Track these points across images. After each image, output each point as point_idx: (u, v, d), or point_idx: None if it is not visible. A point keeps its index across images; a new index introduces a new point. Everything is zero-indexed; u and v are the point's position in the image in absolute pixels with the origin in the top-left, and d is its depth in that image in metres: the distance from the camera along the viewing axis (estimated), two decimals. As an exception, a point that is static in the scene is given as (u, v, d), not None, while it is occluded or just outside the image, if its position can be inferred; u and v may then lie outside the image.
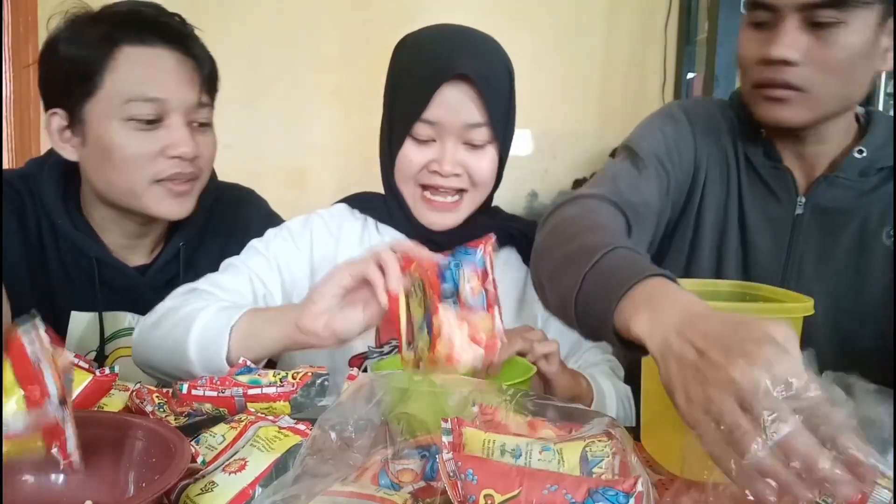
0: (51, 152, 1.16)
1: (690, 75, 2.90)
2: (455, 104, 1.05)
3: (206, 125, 1.15)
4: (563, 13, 2.87)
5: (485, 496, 0.56)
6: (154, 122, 1.07)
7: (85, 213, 1.17)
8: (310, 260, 1.15)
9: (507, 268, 1.17)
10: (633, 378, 1.11)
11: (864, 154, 1.06)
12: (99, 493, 0.69)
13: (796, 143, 1.08)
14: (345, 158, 2.76)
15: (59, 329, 1.06)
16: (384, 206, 1.17)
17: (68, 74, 1.06)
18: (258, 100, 2.75)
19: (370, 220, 1.19)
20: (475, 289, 0.80)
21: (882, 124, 1.09)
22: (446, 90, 1.04)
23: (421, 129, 1.06)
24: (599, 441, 0.64)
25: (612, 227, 0.91)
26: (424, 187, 1.11)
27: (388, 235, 1.16)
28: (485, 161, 1.10)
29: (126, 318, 1.18)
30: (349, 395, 0.70)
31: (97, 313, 1.16)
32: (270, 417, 0.78)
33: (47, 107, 1.10)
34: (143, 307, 1.11)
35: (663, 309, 0.65)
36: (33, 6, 2.30)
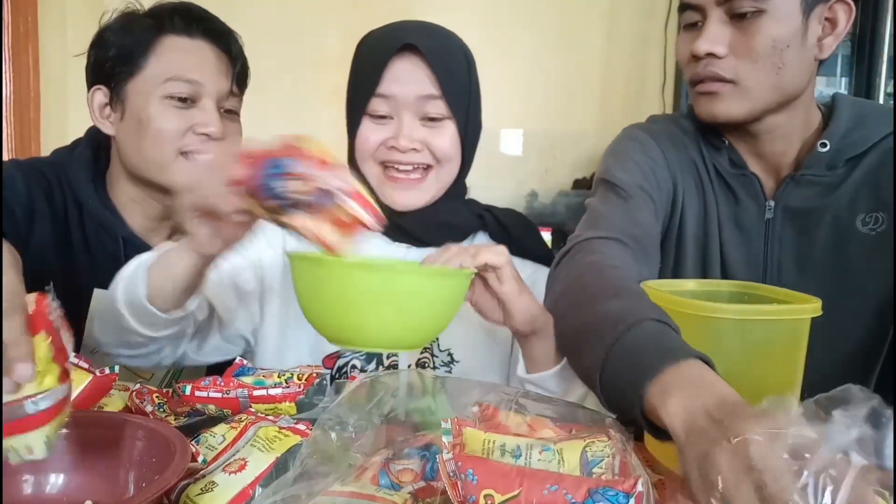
0: (76, 143, 1.28)
1: (690, 75, 2.91)
2: (406, 76, 1.06)
3: (235, 115, 1.27)
4: (563, 13, 2.87)
5: (485, 496, 0.56)
6: (188, 102, 1.18)
7: (111, 195, 1.25)
8: (283, 253, 1.14)
9: None
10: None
11: (828, 147, 1.05)
12: (99, 493, 0.69)
13: (752, 143, 1.08)
14: (344, 158, 2.75)
15: (81, 307, 1.11)
16: None
17: (115, 57, 1.18)
18: (258, 99, 2.74)
19: None
20: (304, 189, 0.73)
21: (845, 111, 1.07)
22: (397, 63, 1.06)
23: (377, 106, 1.07)
24: (599, 441, 0.64)
25: (630, 287, 0.84)
26: (386, 166, 1.10)
27: None
28: (444, 136, 1.09)
29: None
30: (349, 396, 0.70)
31: None
32: (271, 417, 0.78)
33: (90, 85, 1.23)
34: None
35: (697, 395, 0.60)
36: (33, 6, 2.30)
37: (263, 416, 0.79)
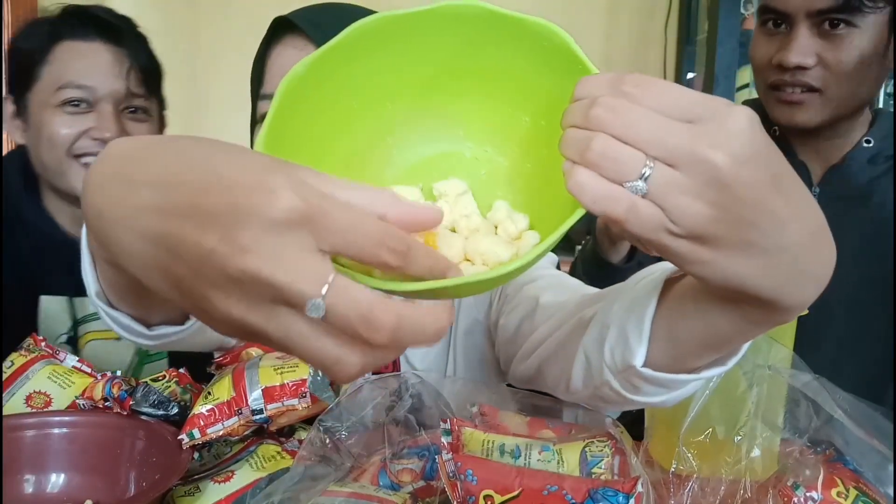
0: (19, 147, 1.24)
1: (690, 75, 2.90)
2: (289, 63, 0.74)
3: (145, 115, 1.21)
4: (563, 13, 2.87)
5: (484, 497, 0.56)
6: (84, 107, 1.14)
7: (44, 201, 1.23)
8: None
9: None
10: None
11: (871, 144, 1.11)
12: (99, 493, 0.69)
13: (811, 138, 1.11)
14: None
15: (30, 314, 1.14)
16: None
17: (18, 67, 1.17)
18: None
19: None
20: None
21: (885, 115, 1.14)
22: (278, 51, 0.83)
23: (266, 106, 0.85)
24: (599, 441, 0.64)
25: None
26: None
27: None
28: None
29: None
30: (347, 397, 0.70)
31: (68, 297, 1.19)
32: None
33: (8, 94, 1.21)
34: None
35: None
36: (33, 5, 2.30)
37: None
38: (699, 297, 0.48)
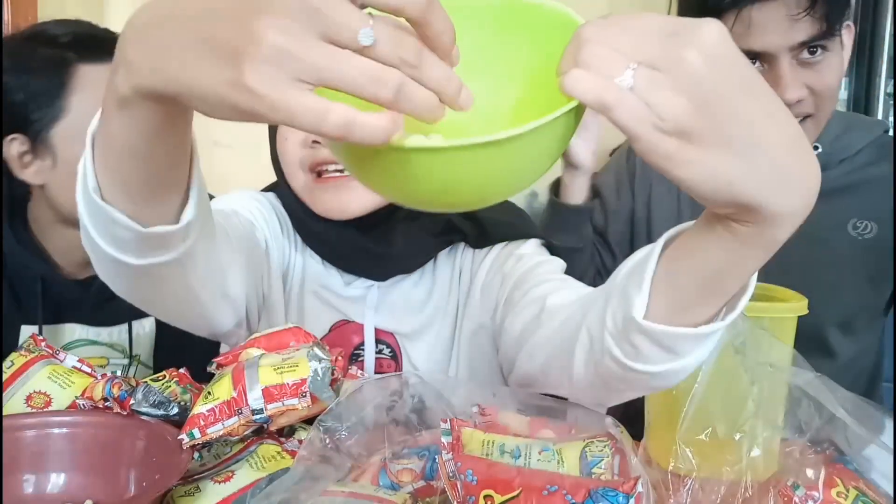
0: None
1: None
2: None
3: None
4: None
5: (484, 497, 0.56)
6: None
7: (38, 235, 1.16)
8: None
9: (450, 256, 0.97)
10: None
11: (820, 150, 1.13)
12: (99, 493, 0.69)
13: None
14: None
15: (10, 342, 1.09)
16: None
17: (26, 102, 1.05)
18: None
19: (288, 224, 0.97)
20: None
21: (834, 118, 1.14)
22: None
23: None
24: (599, 441, 0.64)
25: None
26: (314, 171, 0.88)
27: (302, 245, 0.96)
28: None
29: (77, 330, 1.19)
30: (348, 396, 0.70)
31: (43, 326, 1.15)
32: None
33: (3, 133, 1.07)
34: (93, 319, 1.16)
35: None
36: (33, 6, 2.30)
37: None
38: (693, 235, 0.50)
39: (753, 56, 1.04)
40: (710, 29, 0.40)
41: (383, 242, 0.90)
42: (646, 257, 0.53)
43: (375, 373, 0.94)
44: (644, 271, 0.52)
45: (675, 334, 0.51)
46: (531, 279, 0.82)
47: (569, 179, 1.25)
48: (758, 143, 0.42)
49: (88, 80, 1.06)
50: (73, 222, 1.07)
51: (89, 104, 1.05)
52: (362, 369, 0.93)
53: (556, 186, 1.28)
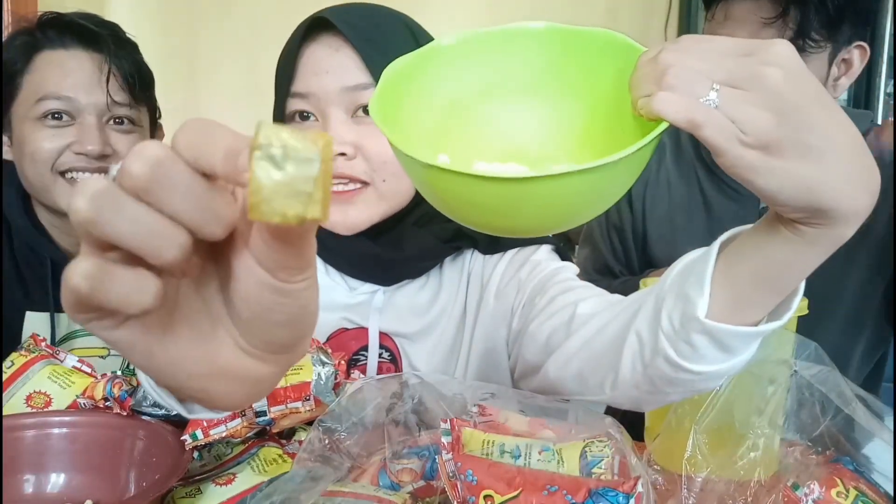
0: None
1: (690, 75, 2.91)
2: (323, 63, 0.82)
3: (132, 125, 1.16)
4: (563, 13, 2.87)
5: (484, 497, 0.56)
6: (66, 119, 1.10)
7: (43, 219, 1.19)
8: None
9: (456, 264, 0.95)
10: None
11: None
12: (99, 493, 0.69)
13: None
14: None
15: (14, 329, 1.11)
16: None
17: (2, 80, 1.12)
18: (258, 100, 2.74)
19: None
20: None
21: None
22: (313, 49, 0.83)
23: (296, 104, 0.84)
24: (599, 441, 0.64)
25: None
26: None
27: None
28: (383, 136, 0.67)
29: None
30: (348, 397, 0.70)
31: (49, 314, 1.16)
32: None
33: None
34: None
35: None
36: (33, 6, 2.30)
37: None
38: (754, 236, 0.52)
39: None
40: (784, 47, 0.43)
41: (392, 248, 0.90)
42: (702, 258, 0.54)
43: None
44: (704, 272, 0.53)
45: (736, 333, 0.52)
46: (554, 286, 0.82)
47: None
48: (832, 148, 0.44)
49: (40, 65, 1.10)
50: (38, 201, 1.15)
51: (32, 86, 1.10)
52: (364, 373, 0.93)
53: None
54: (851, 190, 0.45)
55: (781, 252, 0.50)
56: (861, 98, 2.23)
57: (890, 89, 2.29)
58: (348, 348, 0.93)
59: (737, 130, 0.43)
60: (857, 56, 1.09)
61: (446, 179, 0.45)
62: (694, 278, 0.54)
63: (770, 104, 0.43)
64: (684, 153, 1.25)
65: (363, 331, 0.93)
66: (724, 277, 0.53)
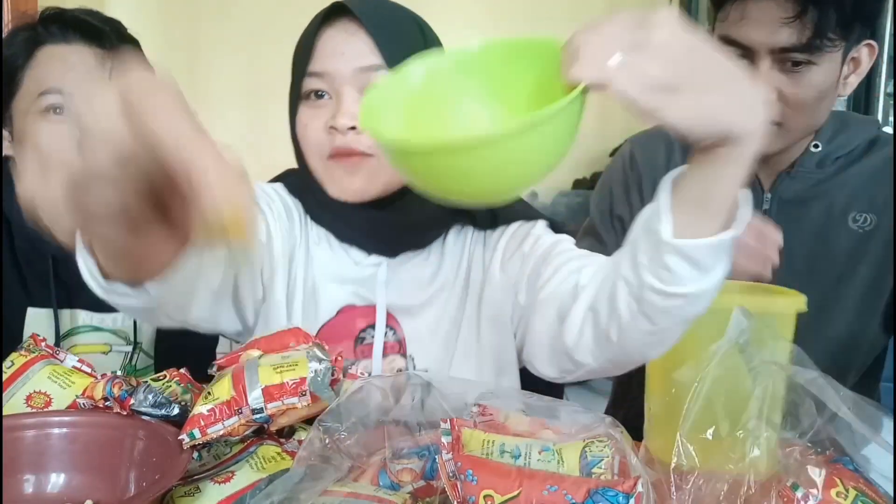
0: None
1: (690, 75, 2.91)
2: (340, 46, 0.90)
3: None
4: (563, 13, 2.87)
5: (484, 497, 0.56)
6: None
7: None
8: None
9: (458, 239, 1.00)
10: (636, 377, 1.12)
11: (819, 148, 1.16)
12: (99, 493, 0.69)
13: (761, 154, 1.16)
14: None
15: (15, 326, 1.11)
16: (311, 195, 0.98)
17: (3, 76, 1.12)
18: (258, 100, 2.74)
19: (300, 210, 1.01)
20: None
21: (832, 116, 1.18)
22: (330, 33, 0.90)
23: (313, 83, 0.90)
24: (599, 441, 0.64)
25: None
26: (332, 157, 0.91)
27: (315, 232, 1.00)
28: None
29: (81, 316, 1.18)
30: (348, 397, 0.70)
31: (52, 310, 1.16)
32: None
33: None
34: (99, 304, 1.12)
35: None
36: (33, 6, 2.30)
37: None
38: (691, 167, 0.62)
39: (738, 48, 1.06)
40: (665, 12, 0.55)
41: (399, 213, 0.94)
42: (657, 200, 0.64)
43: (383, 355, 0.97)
44: (662, 206, 0.63)
45: (699, 245, 0.62)
46: (557, 255, 0.88)
47: None
48: (720, 82, 0.57)
49: (42, 59, 1.10)
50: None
51: (34, 80, 1.09)
52: (369, 353, 0.95)
53: None
54: (744, 112, 0.58)
55: (710, 175, 0.61)
56: (861, 98, 2.23)
57: (890, 89, 2.29)
58: (355, 326, 0.95)
59: (643, 80, 0.54)
60: (865, 54, 1.11)
61: (406, 155, 0.58)
62: (655, 216, 0.64)
63: (664, 55, 0.54)
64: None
65: (370, 309, 0.95)
66: (677, 205, 0.63)
